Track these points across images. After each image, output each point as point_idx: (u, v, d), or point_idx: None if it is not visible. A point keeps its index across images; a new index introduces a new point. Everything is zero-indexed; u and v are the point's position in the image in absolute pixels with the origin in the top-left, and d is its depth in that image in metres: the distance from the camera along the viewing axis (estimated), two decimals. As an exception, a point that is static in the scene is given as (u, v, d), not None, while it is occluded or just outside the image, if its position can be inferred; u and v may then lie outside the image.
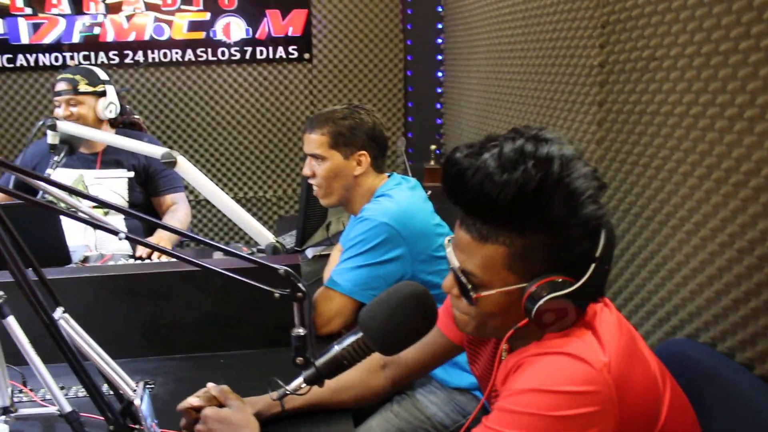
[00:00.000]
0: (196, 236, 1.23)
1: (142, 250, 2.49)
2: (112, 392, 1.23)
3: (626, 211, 1.94)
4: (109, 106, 2.84)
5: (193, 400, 1.34)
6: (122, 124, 3.01)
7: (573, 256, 1.04)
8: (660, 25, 1.75)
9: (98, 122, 2.84)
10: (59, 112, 2.77)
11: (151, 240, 2.57)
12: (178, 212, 2.90)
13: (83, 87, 2.78)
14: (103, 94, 2.83)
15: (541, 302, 1.02)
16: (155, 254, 2.46)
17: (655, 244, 1.81)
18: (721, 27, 1.51)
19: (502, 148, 1.02)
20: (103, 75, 2.88)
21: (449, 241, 1.15)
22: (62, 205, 1.86)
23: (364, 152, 1.97)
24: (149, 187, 2.93)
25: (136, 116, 3.13)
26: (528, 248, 1.03)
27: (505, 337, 1.09)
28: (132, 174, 2.88)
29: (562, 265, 1.04)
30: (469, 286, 1.07)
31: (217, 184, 4.08)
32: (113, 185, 2.87)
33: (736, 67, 1.46)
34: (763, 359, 1.41)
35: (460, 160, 1.04)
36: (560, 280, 1.03)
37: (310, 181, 2.03)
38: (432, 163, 4.16)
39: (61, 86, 2.77)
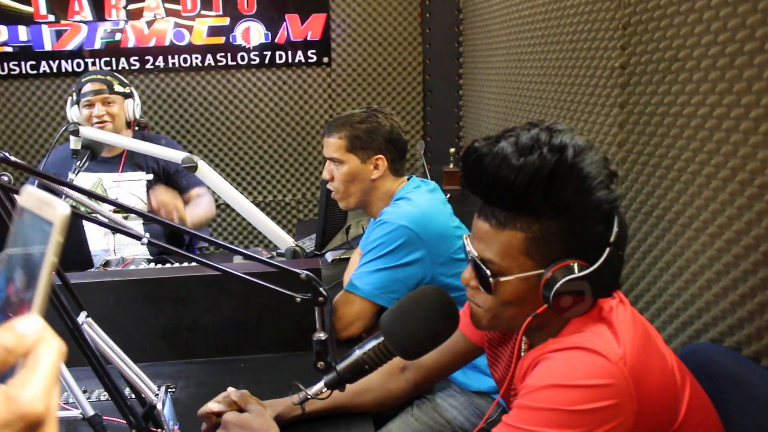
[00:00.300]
0: (216, 240, 1.23)
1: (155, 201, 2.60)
2: (134, 396, 1.24)
3: (648, 213, 1.92)
4: (136, 107, 2.97)
5: (213, 406, 1.35)
6: (137, 126, 3.07)
7: (588, 241, 1.06)
8: (683, 26, 1.73)
9: (126, 123, 2.95)
10: (91, 111, 2.84)
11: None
12: (202, 199, 2.96)
13: (117, 87, 2.90)
14: (130, 95, 2.96)
15: (558, 284, 1.04)
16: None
17: (677, 246, 1.78)
18: (747, 27, 1.48)
19: (518, 136, 1.06)
20: (124, 79, 3.00)
21: (467, 236, 1.17)
22: (83, 209, 1.89)
23: (381, 156, 1.97)
24: (172, 186, 2.96)
25: (143, 117, 3.24)
26: (544, 233, 1.05)
27: (524, 325, 1.10)
28: (151, 176, 2.91)
29: (577, 251, 1.06)
30: (488, 273, 1.09)
31: (236, 188, 4.11)
32: (132, 188, 2.90)
33: (762, 67, 1.44)
34: (790, 364, 1.38)
35: (479, 147, 1.08)
36: (576, 264, 1.05)
37: (329, 185, 2.03)
38: (451, 166, 4.15)
39: (95, 86, 2.87)
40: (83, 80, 2.90)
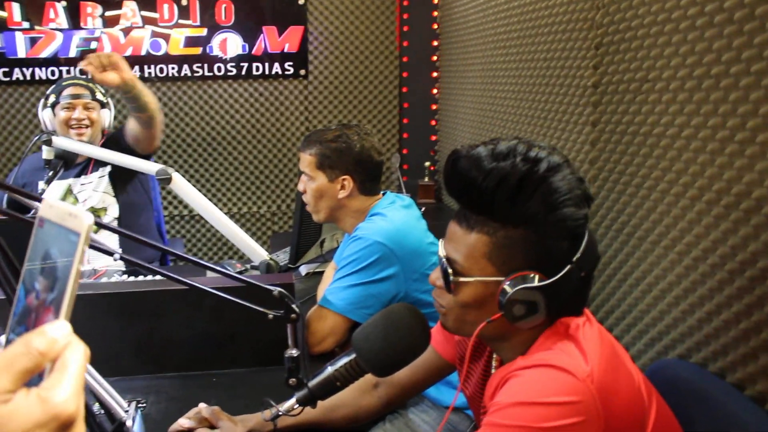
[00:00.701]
0: (189, 257, 1.23)
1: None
2: (103, 412, 1.22)
3: (618, 230, 1.95)
4: (111, 118, 2.94)
5: (184, 422, 1.34)
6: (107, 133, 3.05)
7: (550, 255, 1.07)
8: (653, 48, 1.77)
9: (102, 131, 2.92)
10: (70, 114, 2.79)
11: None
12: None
13: (99, 95, 2.88)
14: (107, 105, 2.94)
15: (511, 292, 1.06)
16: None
17: (647, 264, 1.81)
18: (713, 51, 1.52)
19: (497, 144, 1.09)
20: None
21: (441, 240, 1.19)
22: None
23: (347, 177, 1.96)
24: (122, 145, 2.87)
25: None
26: (508, 240, 1.07)
27: (477, 329, 1.12)
28: (109, 168, 2.88)
29: (539, 264, 1.07)
30: (450, 272, 1.11)
31: (211, 199, 4.09)
32: (98, 186, 2.87)
33: (728, 90, 1.48)
34: (754, 380, 1.41)
35: (460, 150, 1.11)
36: (534, 275, 1.07)
37: (303, 198, 2.04)
38: (426, 179, 4.17)
39: (78, 90, 2.83)
40: (64, 83, 2.86)
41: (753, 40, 1.40)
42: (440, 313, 1.20)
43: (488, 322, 1.11)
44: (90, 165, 2.88)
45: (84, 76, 2.93)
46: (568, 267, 1.07)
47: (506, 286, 1.07)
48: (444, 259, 1.13)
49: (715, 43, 1.51)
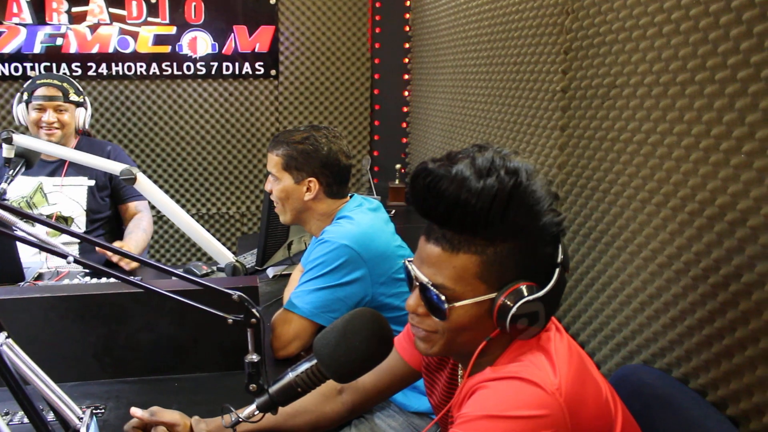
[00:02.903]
0: (148, 261, 1.20)
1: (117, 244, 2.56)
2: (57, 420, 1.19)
3: (586, 235, 1.96)
4: (87, 117, 2.92)
5: (136, 411, 1.32)
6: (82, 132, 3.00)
7: (538, 263, 1.07)
8: (621, 54, 1.78)
9: (75, 132, 2.89)
10: (41, 116, 2.76)
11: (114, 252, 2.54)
12: (142, 221, 2.89)
13: (72, 96, 2.84)
14: (83, 104, 2.90)
15: (516, 308, 1.04)
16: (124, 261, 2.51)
17: (613, 269, 1.82)
18: (679, 58, 1.53)
19: (474, 158, 1.05)
20: (79, 87, 2.93)
21: (410, 261, 1.15)
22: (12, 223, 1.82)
23: (313, 179, 1.94)
24: (113, 194, 2.92)
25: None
26: (498, 256, 1.05)
27: (477, 350, 1.09)
28: (93, 182, 2.85)
29: (528, 273, 1.06)
30: (443, 298, 1.06)
31: (179, 200, 4.05)
32: (72, 193, 2.83)
33: (693, 97, 1.49)
34: (716, 386, 1.42)
35: (434, 169, 1.04)
36: (528, 286, 1.06)
37: (271, 197, 2.02)
38: (397, 182, 4.16)
39: (50, 92, 2.79)
40: (38, 82, 2.81)
41: (718, 49, 1.41)
42: (421, 340, 1.15)
43: (488, 341, 1.08)
44: (65, 167, 2.84)
45: (59, 75, 2.89)
46: (558, 270, 1.07)
47: (506, 302, 1.05)
48: (430, 287, 1.08)
49: (682, 50, 1.52)
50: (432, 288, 1.07)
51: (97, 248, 2.54)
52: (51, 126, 2.77)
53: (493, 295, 1.06)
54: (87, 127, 2.93)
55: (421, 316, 1.12)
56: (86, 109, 2.92)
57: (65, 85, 2.84)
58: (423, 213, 1.07)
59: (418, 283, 1.11)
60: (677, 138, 1.54)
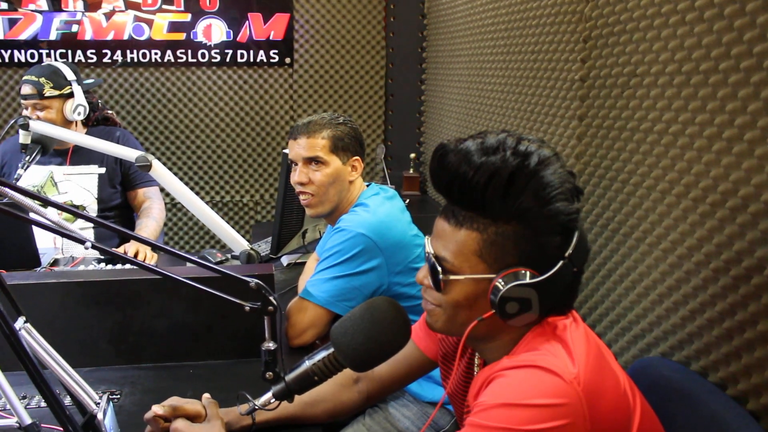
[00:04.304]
0: (164, 247, 1.19)
1: (130, 249, 2.51)
2: (74, 404, 1.19)
3: (603, 226, 1.94)
4: (77, 108, 2.75)
5: (157, 409, 1.31)
6: (96, 120, 2.96)
7: (542, 251, 1.05)
8: (641, 42, 1.75)
9: (67, 123, 2.77)
10: (26, 113, 2.72)
11: (128, 245, 2.54)
12: (152, 210, 2.86)
13: (48, 91, 2.68)
14: (70, 95, 2.75)
15: (505, 289, 1.04)
16: (140, 255, 2.46)
17: (631, 260, 1.80)
18: (702, 46, 1.51)
19: (486, 137, 1.06)
20: (69, 74, 2.76)
21: (428, 236, 1.16)
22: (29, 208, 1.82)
23: (358, 158, 1.98)
24: (122, 180, 2.89)
25: (108, 111, 3.07)
26: (499, 236, 1.05)
27: (468, 328, 1.09)
28: (103, 170, 2.83)
29: (531, 260, 1.05)
30: (440, 270, 1.08)
31: (194, 188, 4.05)
32: (83, 181, 2.82)
33: (716, 86, 1.46)
34: (736, 379, 1.40)
35: (447, 144, 1.07)
36: (526, 272, 1.05)
37: (305, 189, 1.95)
38: (411, 171, 4.15)
39: (26, 90, 2.68)
40: (23, 78, 2.73)
41: (743, 37, 1.38)
42: (428, 313, 1.16)
43: (479, 321, 1.08)
44: (68, 155, 2.82)
45: (41, 66, 2.76)
46: (561, 262, 1.05)
47: (498, 283, 1.05)
48: (432, 257, 1.10)
49: (705, 39, 1.50)
50: (433, 259, 1.10)
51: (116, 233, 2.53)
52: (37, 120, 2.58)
53: (490, 275, 1.06)
54: (78, 117, 2.77)
55: (427, 288, 1.15)
56: (76, 95, 2.75)
57: (41, 80, 2.68)
58: (434, 186, 1.11)
59: (426, 255, 1.14)
60: (699, 128, 1.52)
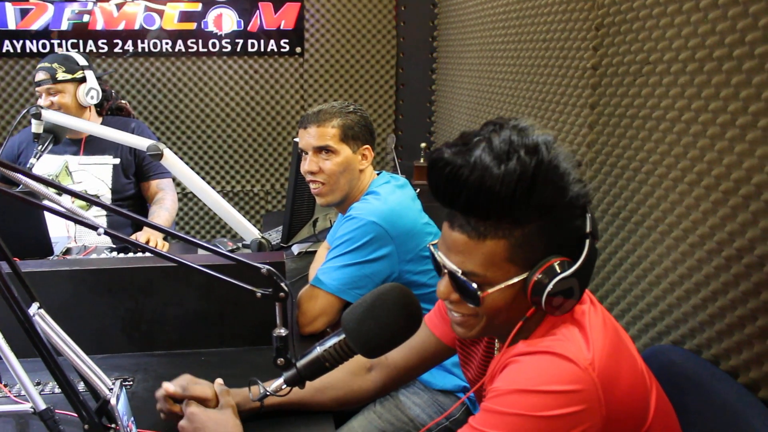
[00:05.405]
0: (177, 233, 1.20)
1: (141, 237, 2.53)
2: (88, 390, 1.20)
3: (615, 215, 1.93)
4: (90, 92, 2.79)
5: (168, 386, 1.32)
6: (109, 110, 2.97)
7: (567, 237, 1.05)
8: (654, 29, 1.74)
9: (80, 109, 2.81)
10: (41, 101, 2.74)
11: (140, 234, 2.56)
12: (165, 201, 2.88)
13: (61, 75, 2.74)
14: (83, 80, 2.79)
15: (551, 285, 1.02)
16: (151, 243, 2.48)
17: (643, 248, 1.80)
18: (716, 33, 1.49)
19: (490, 141, 1.01)
20: (81, 60, 2.81)
21: (435, 246, 1.13)
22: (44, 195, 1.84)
23: (368, 146, 1.98)
24: (136, 171, 2.91)
25: (122, 101, 3.09)
26: (526, 236, 1.03)
27: (514, 330, 1.08)
28: (117, 161, 2.85)
29: (558, 248, 1.04)
30: (475, 286, 1.05)
31: (204, 177, 4.06)
32: (97, 171, 2.84)
33: (730, 73, 1.45)
34: (748, 367, 1.40)
35: (452, 159, 1.01)
36: (559, 261, 1.04)
37: (315, 178, 1.96)
38: (422, 161, 4.14)
39: (39, 76, 2.74)
40: (36, 67, 2.79)
41: (758, 23, 1.36)
42: (459, 324, 1.14)
43: (525, 321, 1.07)
44: (82, 145, 2.84)
45: (54, 54, 2.82)
46: (588, 241, 1.05)
47: (540, 279, 1.03)
48: (460, 275, 1.06)
49: (719, 25, 1.48)
50: (462, 276, 1.06)
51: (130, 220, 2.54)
52: (49, 109, 2.63)
53: (524, 275, 1.04)
54: (91, 101, 2.80)
55: (454, 302, 1.11)
56: (88, 80, 2.78)
57: (54, 65, 2.74)
58: (444, 203, 1.05)
59: (446, 271, 1.09)
60: (712, 115, 1.51)
